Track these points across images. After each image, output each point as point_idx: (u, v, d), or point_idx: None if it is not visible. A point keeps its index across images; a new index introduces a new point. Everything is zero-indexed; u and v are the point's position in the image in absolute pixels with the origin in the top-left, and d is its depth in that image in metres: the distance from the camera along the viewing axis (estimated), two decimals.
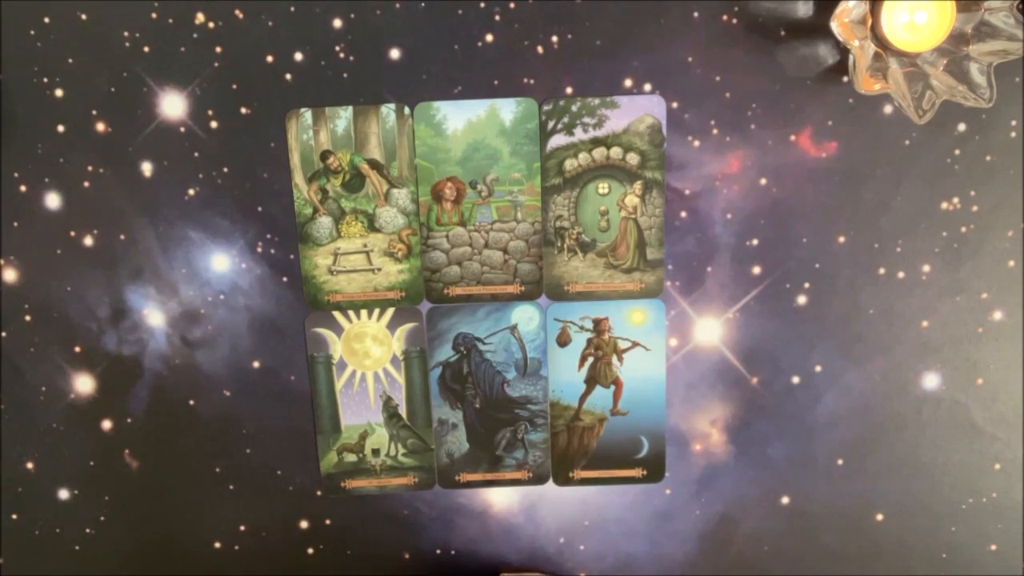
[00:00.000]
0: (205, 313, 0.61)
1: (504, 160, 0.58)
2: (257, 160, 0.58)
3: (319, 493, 0.63)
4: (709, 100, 0.57)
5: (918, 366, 0.60)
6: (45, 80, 0.57)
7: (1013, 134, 0.57)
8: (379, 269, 0.60)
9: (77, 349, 0.61)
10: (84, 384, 0.62)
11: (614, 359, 0.61)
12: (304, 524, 0.64)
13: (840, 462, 0.62)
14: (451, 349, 0.61)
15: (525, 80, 0.57)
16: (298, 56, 0.57)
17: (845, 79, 0.56)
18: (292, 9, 0.56)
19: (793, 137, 0.57)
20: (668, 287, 0.60)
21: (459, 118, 0.58)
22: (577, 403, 0.62)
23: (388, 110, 0.58)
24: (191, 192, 0.59)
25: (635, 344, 0.61)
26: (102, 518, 0.64)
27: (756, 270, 0.59)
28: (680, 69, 0.57)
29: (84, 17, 0.57)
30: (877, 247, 0.59)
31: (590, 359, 0.61)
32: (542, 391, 0.61)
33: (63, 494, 0.63)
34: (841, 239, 0.59)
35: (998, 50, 0.51)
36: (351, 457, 0.63)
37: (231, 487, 0.63)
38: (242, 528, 0.64)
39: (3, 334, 0.61)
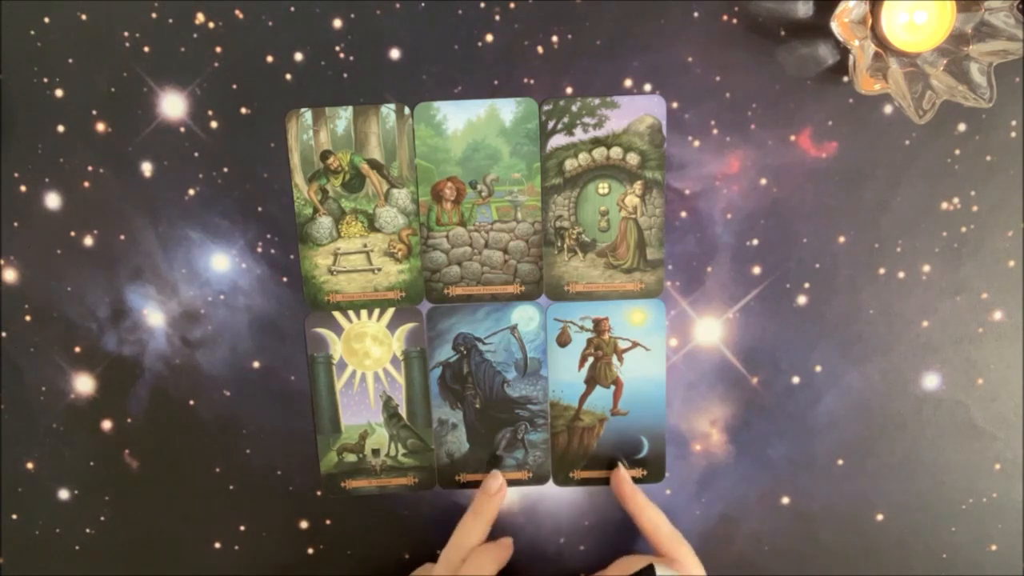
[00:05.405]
0: (205, 313, 0.61)
1: (504, 160, 0.58)
2: (257, 160, 0.58)
3: (319, 493, 0.63)
4: (709, 100, 0.57)
5: (918, 366, 0.60)
6: (45, 80, 0.57)
7: (1013, 134, 0.57)
8: (379, 269, 0.60)
9: (77, 349, 0.61)
10: (84, 384, 0.62)
11: (614, 359, 0.61)
12: (304, 524, 0.64)
13: (840, 462, 0.62)
14: (451, 349, 0.61)
15: (525, 80, 0.57)
16: (298, 56, 0.57)
17: (845, 79, 0.56)
18: (292, 9, 0.56)
19: (793, 137, 0.57)
20: (668, 287, 0.60)
21: (459, 118, 0.58)
22: (577, 403, 0.62)
23: (388, 110, 0.58)
24: (191, 192, 0.59)
25: (635, 344, 0.61)
26: (102, 518, 0.64)
27: (756, 270, 0.59)
28: (680, 69, 0.57)
29: (84, 17, 0.57)
30: (877, 247, 0.59)
31: (590, 359, 0.61)
32: (542, 391, 0.61)
33: (63, 494, 0.63)
34: (841, 239, 0.59)
35: (998, 50, 0.51)
36: (351, 457, 0.63)
37: (231, 487, 0.63)
38: (242, 528, 0.64)
39: (3, 334, 0.61)
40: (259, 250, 0.60)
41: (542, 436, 0.62)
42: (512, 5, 0.56)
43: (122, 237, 0.59)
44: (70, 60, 0.57)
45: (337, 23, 0.56)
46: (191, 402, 0.62)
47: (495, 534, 0.60)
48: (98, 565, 0.65)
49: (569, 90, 0.57)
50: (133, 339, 0.61)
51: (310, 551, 0.64)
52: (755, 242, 0.59)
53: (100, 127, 0.58)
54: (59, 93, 0.57)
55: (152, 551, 0.64)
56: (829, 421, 0.61)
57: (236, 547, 0.64)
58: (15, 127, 0.58)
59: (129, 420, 0.62)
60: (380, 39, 0.56)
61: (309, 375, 0.61)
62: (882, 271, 0.59)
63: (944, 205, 0.58)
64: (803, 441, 0.62)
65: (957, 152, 0.57)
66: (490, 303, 0.60)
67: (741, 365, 0.61)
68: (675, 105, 0.57)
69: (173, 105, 0.58)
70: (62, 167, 0.58)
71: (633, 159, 0.58)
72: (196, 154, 0.58)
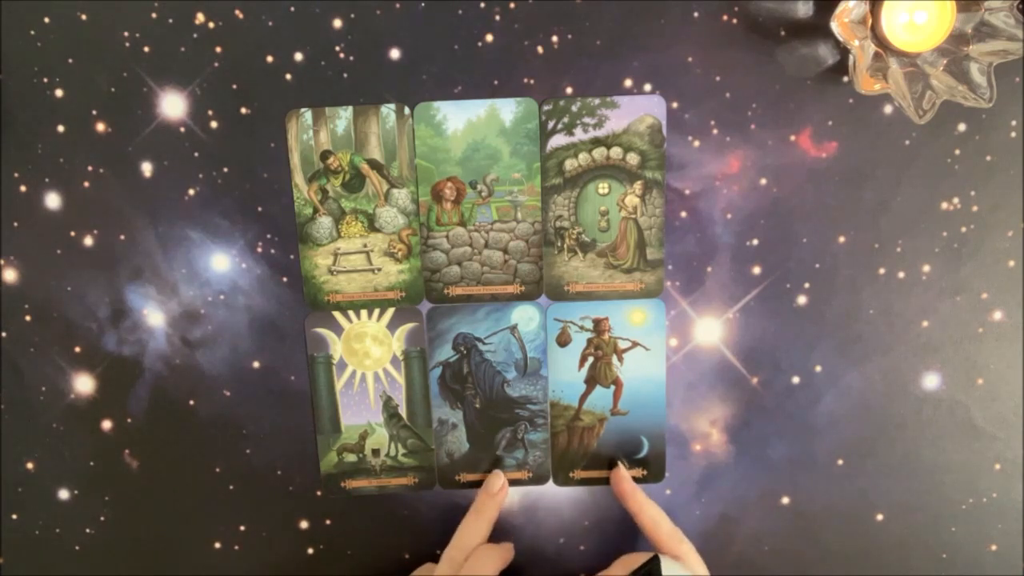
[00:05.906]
0: (205, 313, 0.61)
1: (504, 160, 0.58)
2: (257, 160, 0.58)
3: (319, 493, 0.63)
4: (709, 100, 0.57)
5: (918, 366, 0.60)
6: (45, 80, 0.57)
7: (1013, 134, 0.57)
8: (379, 269, 0.60)
9: (77, 349, 0.61)
10: (84, 384, 0.62)
11: (614, 359, 0.61)
12: (304, 524, 0.64)
13: (840, 462, 0.62)
14: (451, 349, 0.61)
15: (525, 80, 0.57)
16: (298, 56, 0.57)
17: (845, 79, 0.56)
18: (292, 9, 0.56)
19: (793, 137, 0.57)
20: (668, 287, 0.60)
21: (459, 118, 0.58)
22: (577, 403, 0.62)
23: (388, 110, 0.58)
24: (191, 192, 0.59)
25: (635, 344, 0.61)
26: (102, 518, 0.64)
27: (756, 270, 0.59)
28: (680, 69, 0.57)
29: (84, 17, 0.57)
30: (877, 247, 0.59)
31: (590, 359, 0.61)
32: (542, 391, 0.61)
33: (63, 494, 0.63)
34: (841, 239, 0.59)
35: (998, 50, 0.51)
36: (351, 457, 0.63)
37: (231, 487, 0.63)
38: (242, 528, 0.64)
39: (3, 334, 0.61)
40: (259, 250, 0.60)
41: (542, 436, 0.62)
42: (512, 5, 0.56)
43: (122, 237, 0.59)
44: (70, 60, 0.57)
45: (337, 23, 0.56)
46: (191, 402, 0.62)
47: (495, 535, 0.60)
48: (98, 565, 0.65)
49: (569, 90, 0.57)
50: (133, 339, 0.61)
51: (310, 551, 0.64)
52: (755, 242, 0.59)
53: (100, 127, 0.58)
54: (59, 93, 0.57)
55: (152, 551, 0.64)
56: (829, 421, 0.61)
57: (236, 547, 0.64)
58: (15, 127, 0.58)
59: (129, 420, 0.62)
60: (380, 39, 0.56)
61: (309, 375, 0.61)
62: (882, 271, 0.59)
63: (944, 205, 0.58)
64: (803, 441, 0.62)
65: (957, 152, 0.57)
66: (490, 303, 0.60)
67: (741, 365, 0.61)
68: (675, 105, 0.57)
69: (173, 105, 0.58)
70: (62, 167, 0.58)
71: (633, 159, 0.58)
72: (196, 154, 0.58)
